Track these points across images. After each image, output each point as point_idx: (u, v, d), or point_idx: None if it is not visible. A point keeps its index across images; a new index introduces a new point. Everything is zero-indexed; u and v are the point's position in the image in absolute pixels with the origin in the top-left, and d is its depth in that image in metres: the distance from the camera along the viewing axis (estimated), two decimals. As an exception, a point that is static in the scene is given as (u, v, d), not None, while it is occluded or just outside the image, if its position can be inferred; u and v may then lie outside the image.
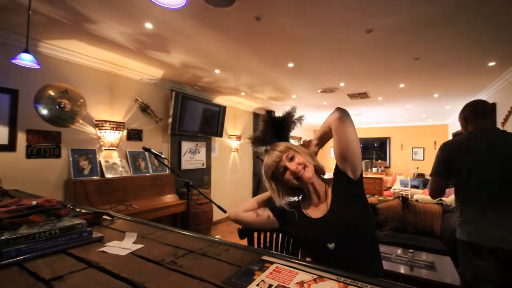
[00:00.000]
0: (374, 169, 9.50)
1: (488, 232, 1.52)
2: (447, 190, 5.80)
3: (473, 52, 2.99)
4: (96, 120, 3.31)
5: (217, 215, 4.97)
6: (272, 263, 0.82)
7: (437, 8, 2.12)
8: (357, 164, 1.09)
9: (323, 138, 1.29)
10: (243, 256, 0.89)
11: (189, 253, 0.91)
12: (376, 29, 2.47)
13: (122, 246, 0.93)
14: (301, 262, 0.82)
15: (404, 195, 6.42)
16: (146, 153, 3.76)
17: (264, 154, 1.24)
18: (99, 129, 3.31)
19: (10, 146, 2.63)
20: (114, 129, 3.39)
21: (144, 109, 3.90)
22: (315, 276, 0.71)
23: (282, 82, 4.36)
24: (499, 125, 3.97)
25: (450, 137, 8.03)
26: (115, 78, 3.59)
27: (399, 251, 2.73)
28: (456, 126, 7.13)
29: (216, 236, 1.14)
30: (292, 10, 2.17)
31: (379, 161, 9.78)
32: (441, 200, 4.24)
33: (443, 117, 7.90)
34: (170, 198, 3.78)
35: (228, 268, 0.79)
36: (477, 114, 1.70)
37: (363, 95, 5.14)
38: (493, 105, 4.16)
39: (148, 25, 2.43)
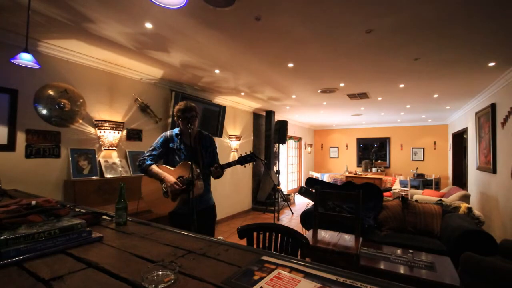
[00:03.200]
0: (374, 169, 9.50)
1: None
2: (447, 190, 5.81)
3: (473, 52, 2.99)
4: (95, 120, 3.31)
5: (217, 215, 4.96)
6: (271, 263, 0.82)
7: (437, 9, 2.12)
8: None
9: None
10: (242, 256, 0.89)
11: (189, 253, 0.91)
12: (376, 29, 2.47)
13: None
14: (300, 263, 0.82)
15: (404, 195, 6.42)
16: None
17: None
18: (99, 129, 3.31)
19: (10, 146, 2.62)
20: (114, 129, 3.39)
21: (144, 109, 3.90)
22: (318, 285, 0.68)
23: (282, 82, 4.36)
24: (499, 126, 3.98)
25: (450, 138, 8.03)
26: (115, 78, 3.59)
27: (398, 251, 2.73)
28: (456, 127, 7.14)
29: (219, 237, 1.14)
30: (292, 10, 2.17)
31: (379, 161, 9.78)
32: (441, 200, 4.24)
33: (443, 117, 7.91)
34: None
35: (228, 268, 0.79)
36: None
37: (363, 95, 5.14)
38: (493, 105, 4.16)
39: (148, 25, 2.43)
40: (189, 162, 2.03)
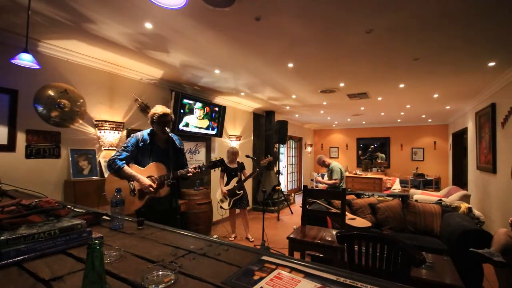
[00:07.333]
0: (374, 169, 9.50)
1: None
2: (447, 190, 5.80)
3: (473, 52, 2.98)
4: (95, 120, 3.31)
5: (216, 215, 4.96)
6: (271, 263, 0.82)
7: (437, 9, 2.11)
8: None
9: None
10: (243, 256, 0.89)
11: (189, 253, 0.91)
12: (376, 29, 2.47)
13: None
14: (301, 263, 0.82)
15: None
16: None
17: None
18: (99, 129, 3.31)
19: (10, 146, 2.62)
20: (114, 129, 3.39)
21: (144, 109, 3.90)
22: (318, 285, 0.68)
23: (282, 82, 4.36)
24: (499, 125, 3.97)
25: (450, 138, 8.03)
26: (115, 78, 3.59)
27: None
28: (456, 127, 7.13)
29: (214, 236, 1.14)
30: (292, 10, 2.17)
31: (379, 161, 9.77)
32: (440, 200, 4.24)
33: (443, 117, 7.90)
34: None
35: (228, 268, 0.79)
36: None
37: (363, 95, 5.13)
38: (493, 105, 4.16)
39: (148, 25, 2.43)
40: (160, 163, 2.20)
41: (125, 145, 2.19)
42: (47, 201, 1.15)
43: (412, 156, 9.17)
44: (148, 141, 2.23)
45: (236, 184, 4.27)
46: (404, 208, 3.76)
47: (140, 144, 2.20)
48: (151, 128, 2.28)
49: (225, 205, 4.26)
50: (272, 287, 0.67)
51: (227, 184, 4.35)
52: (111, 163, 2.11)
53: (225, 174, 4.42)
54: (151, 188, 2.09)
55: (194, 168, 2.26)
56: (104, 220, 1.33)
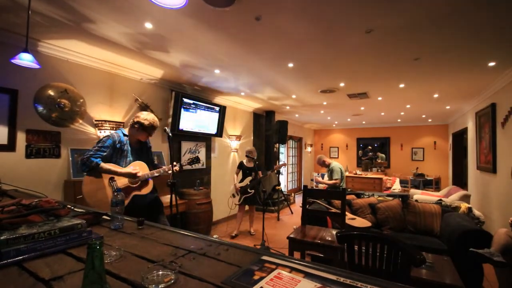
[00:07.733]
0: (374, 169, 9.49)
1: None
2: (447, 190, 5.80)
3: (473, 52, 2.98)
4: (95, 120, 3.31)
5: (216, 215, 4.97)
6: (272, 263, 0.82)
7: (437, 8, 2.11)
8: None
9: None
10: (243, 256, 0.89)
11: (189, 253, 0.91)
12: (376, 29, 2.47)
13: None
14: (301, 263, 0.82)
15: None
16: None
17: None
18: (99, 129, 3.30)
19: (10, 146, 2.62)
20: (114, 129, 3.38)
21: (144, 109, 3.90)
22: (318, 285, 0.68)
23: (282, 82, 4.36)
24: (499, 125, 3.97)
25: (450, 137, 8.03)
26: (115, 78, 3.59)
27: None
28: (456, 127, 7.13)
29: (214, 236, 1.14)
30: (292, 10, 2.17)
31: (379, 161, 9.77)
32: (440, 200, 4.24)
33: (443, 117, 7.90)
34: (169, 198, 3.77)
35: (228, 268, 0.79)
36: None
37: (363, 95, 5.13)
38: (493, 105, 4.16)
39: (148, 25, 2.43)
40: (142, 162, 2.28)
41: (100, 145, 2.15)
42: (47, 201, 1.15)
43: (412, 156, 9.17)
44: (124, 143, 2.28)
45: (249, 183, 4.49)
46: (404, 208, 3.76)
47: (118, 146, 2.23)
48: (124, 129, 2.35)
49: (236, 200, 4.50)
50: (272, 287, 0.67)
51: (241, 181, 4.58)
52: (86, 161, 2.04)
53: (240, 171, 4.65)
54: (138, 174, 2.16)
55: (178, 167, 2.36)
56: (104, 220, 1.33)
